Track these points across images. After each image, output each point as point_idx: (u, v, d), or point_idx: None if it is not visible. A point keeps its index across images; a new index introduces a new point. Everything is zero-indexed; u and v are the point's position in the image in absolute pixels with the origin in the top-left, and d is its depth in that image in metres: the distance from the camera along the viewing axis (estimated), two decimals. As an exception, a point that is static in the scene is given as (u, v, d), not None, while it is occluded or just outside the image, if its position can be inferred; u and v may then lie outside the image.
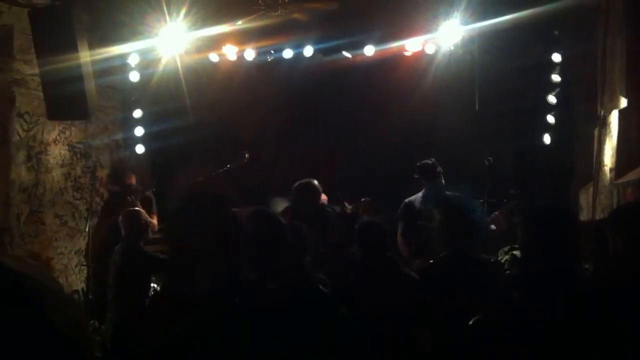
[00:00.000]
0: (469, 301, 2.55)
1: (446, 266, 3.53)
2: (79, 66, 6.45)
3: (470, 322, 2.30)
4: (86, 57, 6.56)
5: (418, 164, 6.22)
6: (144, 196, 7.44)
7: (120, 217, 5.59)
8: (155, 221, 7.30)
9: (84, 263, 7.59)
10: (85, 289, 7.46)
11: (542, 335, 2.20)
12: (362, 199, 6.69)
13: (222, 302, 2.01)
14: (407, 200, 6.26)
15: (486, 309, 2.39)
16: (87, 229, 7.51)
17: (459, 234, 3.64)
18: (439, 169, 6.14)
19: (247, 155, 7.80)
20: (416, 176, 6.21)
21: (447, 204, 3.87)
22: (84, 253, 7.66)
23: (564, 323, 2.22)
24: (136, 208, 6.17)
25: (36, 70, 6.82)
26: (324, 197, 6.66)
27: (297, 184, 5.76)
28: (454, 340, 2.33)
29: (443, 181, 6.14)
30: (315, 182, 5.87)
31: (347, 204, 6.64)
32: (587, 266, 4.40)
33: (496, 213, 6.30)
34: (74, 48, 6.39)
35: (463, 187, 5.76)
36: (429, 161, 6.18)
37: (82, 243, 7.85)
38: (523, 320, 2.25)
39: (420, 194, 6.19)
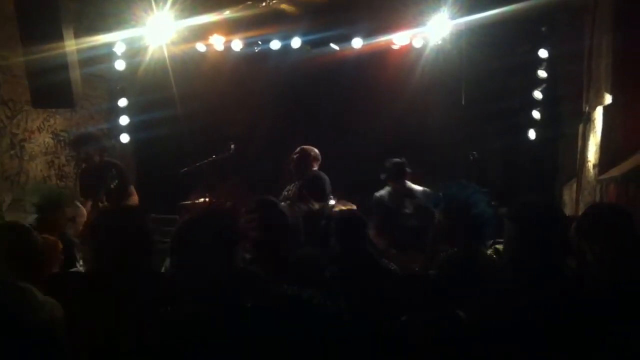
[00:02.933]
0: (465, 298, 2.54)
1: (460, 265, 3.39)
2: (64, 54, 6.35)
3: (461, 320, 2.32)
4: (72, 45, 6.47)
5: (387, 163, 6.19)
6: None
7: None
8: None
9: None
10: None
11: (536, 334, 2.22)
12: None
13: (217, 298, 2.01)
14: (377, 194, 6.24)
15: (479, 306, 2.41)
16: (70, 218, 7.44)
17: (469, 231, 3.45)
18: (408, 170, 6.14)
19: (232, 147, 7.75)
20: (383, 176, 6.18)
21: (454, 201, 3.68)
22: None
23: (557, 322, 2.24)
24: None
25: (21, 57, 6.73)
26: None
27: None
28: (448, 338, 2.34)
29: (409, 183, 6.15)
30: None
31: (313, 202, 6.43)
32: (570, 263, 4.46)
33: None
34: (59, 35, 6.29)
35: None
36: (399, 160, 6.17)
37: (65, 232, 7.77)
38: (516, 318, 2.27)
39: (389, 189, 6.20)
